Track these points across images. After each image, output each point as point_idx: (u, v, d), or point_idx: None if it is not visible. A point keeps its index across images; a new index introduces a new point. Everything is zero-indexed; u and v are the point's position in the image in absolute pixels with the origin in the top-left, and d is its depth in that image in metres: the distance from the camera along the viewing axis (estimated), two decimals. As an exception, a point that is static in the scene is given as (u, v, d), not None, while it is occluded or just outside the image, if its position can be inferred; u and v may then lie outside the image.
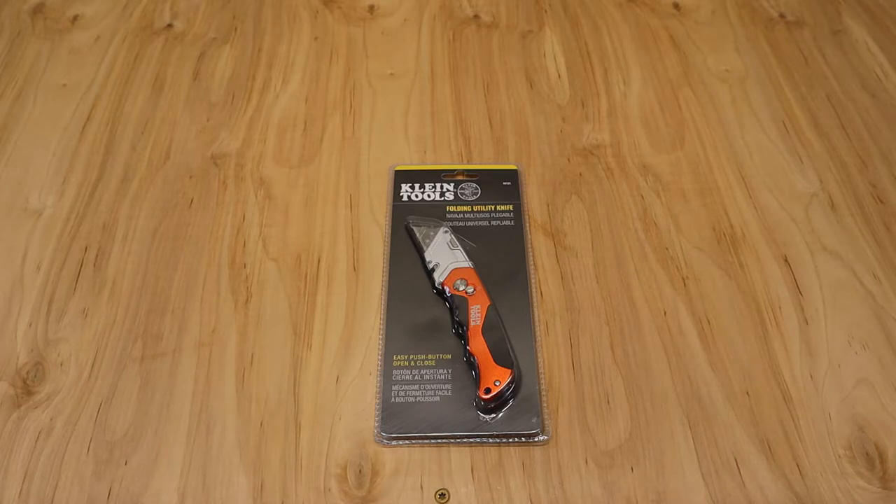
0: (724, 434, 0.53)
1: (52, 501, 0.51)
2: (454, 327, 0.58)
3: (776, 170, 0.69)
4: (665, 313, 0.59)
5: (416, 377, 0.55)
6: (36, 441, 0.53)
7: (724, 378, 0.56)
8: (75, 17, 0.85)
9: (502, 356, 0.55)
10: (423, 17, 0.85)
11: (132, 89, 0.77)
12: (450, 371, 0.55)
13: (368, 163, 0.70)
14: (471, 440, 0.53)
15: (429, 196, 0.66)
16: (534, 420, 0.53)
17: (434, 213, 0.65)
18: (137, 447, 0.53)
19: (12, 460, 0.52)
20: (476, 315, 0.57)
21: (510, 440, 0.53)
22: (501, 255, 0.62)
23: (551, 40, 0.83)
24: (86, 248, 0.64)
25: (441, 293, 0.59)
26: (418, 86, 0.77)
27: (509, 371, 0.54)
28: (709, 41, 0.82)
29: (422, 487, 0.51)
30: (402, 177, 0.68)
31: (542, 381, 0.55)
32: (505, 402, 0.54)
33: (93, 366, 0.57)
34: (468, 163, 0.70)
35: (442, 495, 0.51)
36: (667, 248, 0.63)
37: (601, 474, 0.51)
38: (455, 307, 0.58)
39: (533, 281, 0.61)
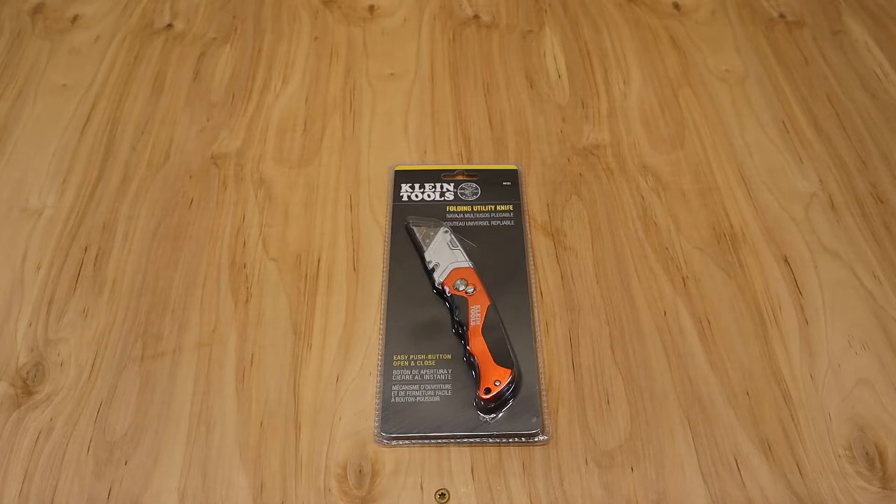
0: (724, 434, 0.53)
1: (52, 501, 0.51)
2: (454, 327, 0.58)
3: (776, 170, 0.69)
4: (665, 313, 0.59)
5: (416, 377, 0.55)
6: (36, 441, 0.53)
7: (724, 378, 0.56)
8: (75, 17, 0.85)
9: (502, 356, 0.55)
10: (423, 17, 0.85)
11: (132, 89, 0.77)
12: (450, 371, 0.55)
13: (368, 163, 0.70)
14: (471, 440, 0.53)
15: (429, 196, 0.66)
16: (534, 420, 0.53)
17: (434, 213, 0.65)
18: (137, 447, 0.53)
19: (12, 460, 0.52)
20: (476, 315, 0.57)
21: (510, 440, 0.53)
22: (501, 255, 0.62)
23: (551, 40, 0.83)
24: (86, 248, 0.64)
25: (441, 293, 0.59)
26: (418, 86, 0.77)
27: (509, 371, 0.54)
28: (709, 41, 0.82)
29: (422, 487, 0.51)
30: (402, 177, 0.68)
31: (542, 381, 0.55)
32: (505, 402, 0.54)
33: (93, 366, 0.57)
34: (468, 163, 0.70)
35: (442, 495, 0.51)
36: (667, 248, 0.63)
37: (601, 474, 0.51)
38: (455, 307, 0.58)
39: (533, 281, 0.61)
